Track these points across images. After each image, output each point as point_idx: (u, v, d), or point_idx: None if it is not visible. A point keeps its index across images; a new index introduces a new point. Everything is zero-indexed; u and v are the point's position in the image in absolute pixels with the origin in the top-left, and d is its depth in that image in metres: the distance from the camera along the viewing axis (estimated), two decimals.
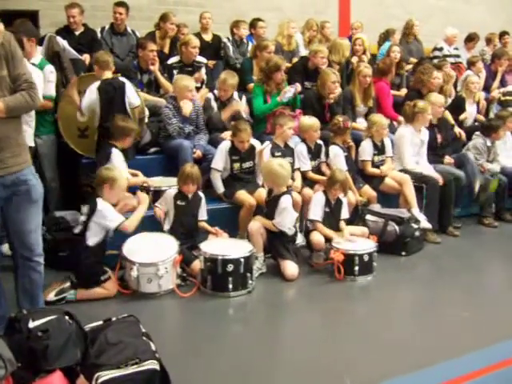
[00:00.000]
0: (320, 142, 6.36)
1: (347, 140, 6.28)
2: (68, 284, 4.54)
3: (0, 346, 2.87)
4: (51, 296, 4.44)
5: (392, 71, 7.69)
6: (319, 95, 6.84)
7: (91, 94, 5.64)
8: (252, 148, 5.94)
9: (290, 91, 6.53)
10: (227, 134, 6.12)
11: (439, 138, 7.00)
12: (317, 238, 5.34)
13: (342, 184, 5.50)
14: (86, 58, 6.90)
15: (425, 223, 6.08)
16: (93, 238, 4.55)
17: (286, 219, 5.20)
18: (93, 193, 4.85)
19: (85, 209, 4.60)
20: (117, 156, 5.36)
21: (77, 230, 4.62)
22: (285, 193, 5.26)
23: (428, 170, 6.59)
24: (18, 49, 3.48)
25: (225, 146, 5.83)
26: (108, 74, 5.78)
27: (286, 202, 5.20)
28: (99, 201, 4.59)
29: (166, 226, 5.26)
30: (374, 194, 6.34)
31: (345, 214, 5.64)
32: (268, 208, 5.31)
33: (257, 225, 5.17)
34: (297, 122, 6.33)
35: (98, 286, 4.58)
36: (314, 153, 6.29)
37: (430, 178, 6.43)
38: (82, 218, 4.60)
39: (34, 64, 5.49)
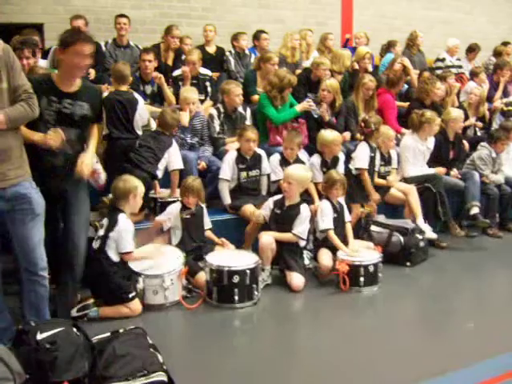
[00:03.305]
0: (338, 154, 6.34)
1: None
2: (91, 301, 4.47)
3: (8, 357, 2.88)
4: (73, 312, 4.38)
5: (400, 84, 7.72)
6: (318, 104, 6.85)
7: None
8: (258, 156, 5.98)
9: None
10: (232, 146, 6.15)
11: (452, 154, 7.05)
12: (325, 262, 5.30)
13: (340, 183, 5.52)
14: (91, 72, 6.94)
15: (430, 234, 6.08)
16: (115, 255, 4.54)
17: (306, 229, 5.25)
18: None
19: (104, 222, 4.59)
20: None
21: (95, 245, 4.55)
22: (301, 202, 5.31)
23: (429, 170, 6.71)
24: (16, 60, 3.51)
25: (231, 155, 5.87)
26: (123, 88, 5.85)
27: (307, 210, 5.29)
28: (122, 217, 4.56)
29: (175, 241, 5.27)
30: (375, 206, 6.35)
31: (348, 216, 5.65)
32: (282, 219, 5.28)
33: (269, 239, 5.13)
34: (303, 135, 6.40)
35: (124, 304, 4.48)
36: (331, 166, 6.22)
37: (430, 176, 6.52)
38: (100, 233, 4.56)
39: None
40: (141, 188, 4.72)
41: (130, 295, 4.51)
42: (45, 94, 3.96)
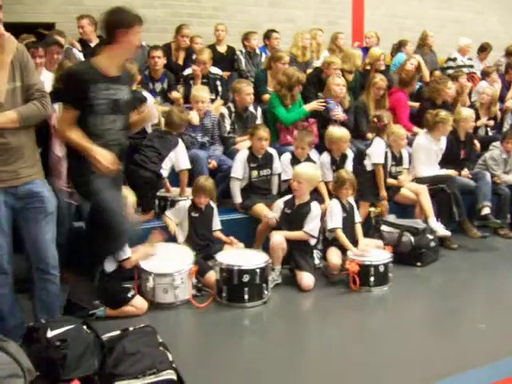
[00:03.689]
0: (346, 151, 6.32)
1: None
2: (99, 301, 4.44)
3: (19, 355, 2.89)
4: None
5: (413, 84, 7.68)
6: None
7: None
8: (269, 156, 5.98)
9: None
10: (242, 145, 6.15)
11: (462, 153, 7.02)
12: (334, 260, 5.28)
13: (350, 182, 5.53)
14: None
15: (443, 231, 6.05)
16: (110, 265, 4.49)
17: (317, 227, 5.25)
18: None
19: None
20: None
21: None
22: (312, 200, 5.32)
23: (441, 171, 6.70)
24: (30, 59, 3.53)
25: (243, 154, 5.86)
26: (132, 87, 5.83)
27: (317, 208, 5.30)
28: None
29: (181, 239, 5.29)
30: (387, 206, 6.33)
31: (358, 217, 5.65)
32: (292, 218, 5.28)
33: (280, 239, 5.13)
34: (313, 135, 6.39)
35: (126, 305, 4.46)
36: (339, 164, 6.23)
37: (444, 177, 6.51)
38: None
39: None
40: (131, 199, 4.66)
41: (129, 294, 4.48)
42: (93, 82, 3.76)
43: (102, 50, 3.92)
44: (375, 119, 6.36)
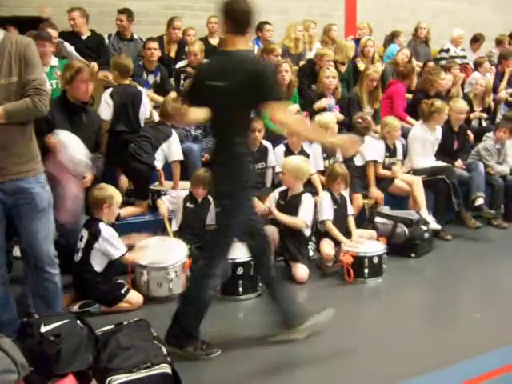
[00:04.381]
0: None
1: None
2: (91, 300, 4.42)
3: (13, 350, 2.87)
4: (75, 308, 4.34)
5: (411, 77, 7.64)
6: (320, 95, 6.88)
7: (107, 103, 5.60)
8: (264, 149, 5.97)
9: None
10: None
11: (456, 144, 7.02)
12: (327, 250, 5.31)
13: (343, 177, 5.51)
14: (94, 65, 6.90)
15: (434, 224, 6.07)
16: (100, 265, 4.44)
17: (310, 217, 5.25)
18: None
19: (84, 234, 4.47)
20: None
21: (77, 258, 4.46)
22: (304, 192, 5.32)
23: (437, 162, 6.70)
24: (34, 54, 3.42)
25: None
26: (126, 81, 5.83)
27: (309, 199, 5.30)
28: (102, 226, 4.47)
29: (175, 227, 5.29)
30: (381, 196, 6.33)
31: (350, 209, 5.65)
32: (286, 209, 5.28)
33: (271, 230, 5.12)
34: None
35: (120, 302, 4.45)
36: (329, 152, 6.23)
37: (443, 167, 6.51)
38: (81, 245, 4.45)
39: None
40: (117, 198, 4.63)
41: (123, 291, 4.47)
42: None
43: (239, 40, 3.72)
44: (360, 120, 6.42)
